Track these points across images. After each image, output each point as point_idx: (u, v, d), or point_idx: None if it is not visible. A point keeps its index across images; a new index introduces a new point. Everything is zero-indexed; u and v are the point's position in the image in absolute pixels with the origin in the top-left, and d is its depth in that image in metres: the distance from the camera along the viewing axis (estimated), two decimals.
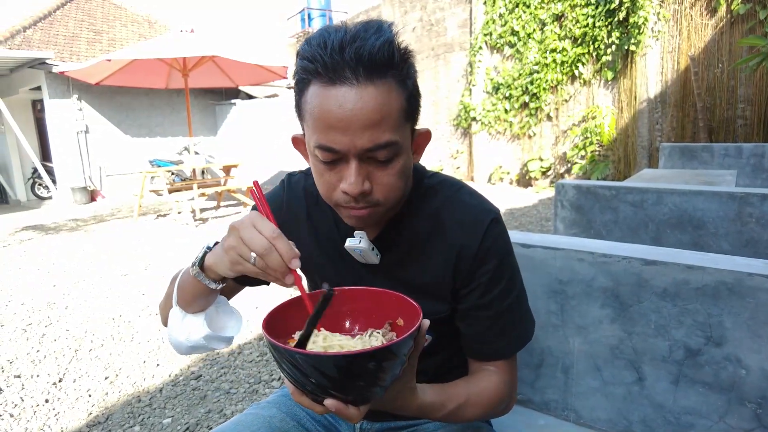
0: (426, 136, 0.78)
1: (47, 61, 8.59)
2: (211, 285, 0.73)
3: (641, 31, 6.90)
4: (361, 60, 0.63)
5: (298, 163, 10.02)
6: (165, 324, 0.84)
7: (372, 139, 0.65)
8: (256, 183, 0.71)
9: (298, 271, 0.65)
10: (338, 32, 0.65)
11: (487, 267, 0.78)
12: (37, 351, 2.82)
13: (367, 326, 0.71)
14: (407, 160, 0.73)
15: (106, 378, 2.48)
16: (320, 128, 0.66)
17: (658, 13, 6.86)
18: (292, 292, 3.55)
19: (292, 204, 0.90)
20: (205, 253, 0.72)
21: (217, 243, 0.72)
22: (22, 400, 2.29)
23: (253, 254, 0.62)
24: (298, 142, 0.80)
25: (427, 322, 0.62)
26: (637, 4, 6.84)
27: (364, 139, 0.65)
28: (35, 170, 10.04)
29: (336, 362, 0.53)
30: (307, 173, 0.92)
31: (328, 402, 0.56)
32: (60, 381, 2.46)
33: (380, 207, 0.72)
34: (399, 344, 0.56)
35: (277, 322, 0.65)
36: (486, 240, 0.78)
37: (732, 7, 6.17)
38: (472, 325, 0.81)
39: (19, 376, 2.52)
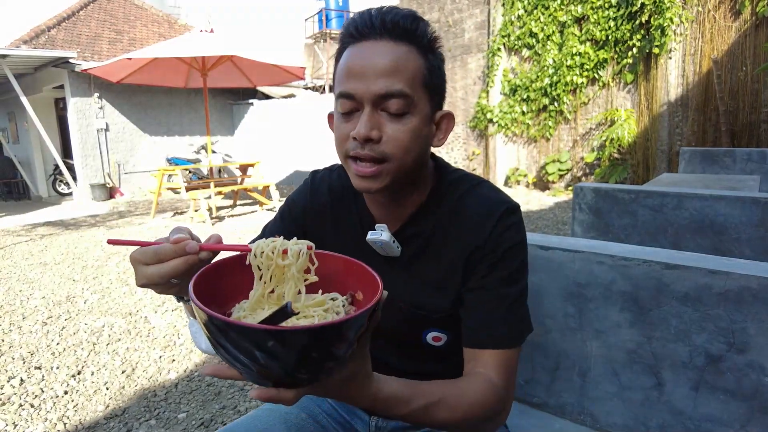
0: (449, 117, 0.81)
1: (70, 60, 8.77)
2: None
3: (665, 33, 6.79)
4: (386, 23, 0.72)
5: (312, 162, 10.07)
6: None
7: (386, 85, 0.70)
8: (109, 240, 0.65)
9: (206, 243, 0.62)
10: (375, 7, 0.74)
11: (494, 253, 0.78)
12: (57, 344, 2.87)
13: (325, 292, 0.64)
14: (422, 126, 0.75)
15: (123, 372, 2.51)
16: (342, 79, 0.74)
17: (681, 15, 6.75)
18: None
19: (316, 200, 0.92)
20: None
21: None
22: (42, 391, 2.33)
23: (172, 280, 0.62)
24: (331, 119, 0.83)
25: (385, 294, 0.55)
26: (662, 6, 6.73)
27: (378, 85, 0.70)
28: (56, 167, 10.24)
29: (274, 336, 0.45)
30: (331, 169, 0.94)
31: (255, 393, 0.51)
32: (79, 373, 2.51)
33: (387, 164, 0.73)
34: (348, 322, 0.48)
35: (210, 285, 0.59)
36: (497, 228, 0.78)
37: (757, 10, 6.05)
38: (469, 308, 0.79)
39: (39, 368, 2.57)
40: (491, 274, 0.78)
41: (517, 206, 0.81)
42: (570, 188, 8.35)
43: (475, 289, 0.79)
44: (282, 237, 0.62)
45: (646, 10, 6.96)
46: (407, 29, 0.72)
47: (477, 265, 0.79)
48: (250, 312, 0.60)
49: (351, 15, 0.75)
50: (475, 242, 0.78)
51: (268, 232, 0.96)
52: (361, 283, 0.61)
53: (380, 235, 0.79)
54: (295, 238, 0.62)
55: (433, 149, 0.82)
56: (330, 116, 0.83)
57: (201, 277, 0.58)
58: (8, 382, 2.43)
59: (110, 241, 0.63)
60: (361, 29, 0.73)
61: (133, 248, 0.63)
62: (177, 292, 0.66)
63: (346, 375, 0.56)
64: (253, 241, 0.95)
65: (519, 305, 0.80)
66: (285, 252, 0.60)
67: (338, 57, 0.77)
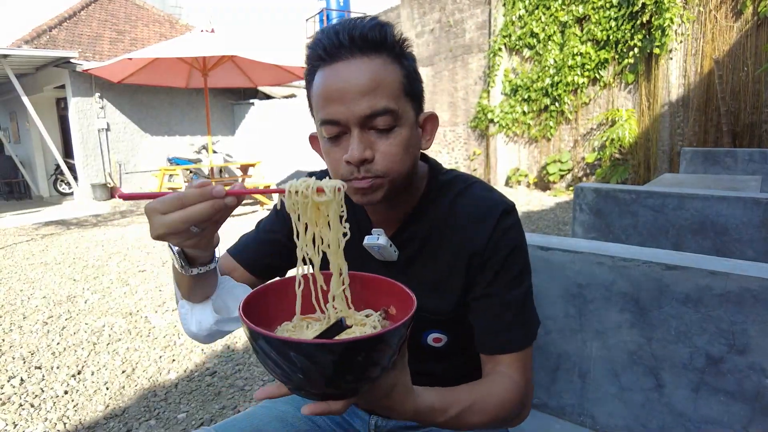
0: (432, 119, 0.80)
1: (71, 60, 8.77)
2: (199, 271, 0.70)
3: (666, 33, 6.78)
4: (354, 38, 0.69)
5: (314, 162, 10.06)
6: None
7: (370, 105, 0.69)
8: (120, 195, 0.63)
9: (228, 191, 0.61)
10: (337, 22, 0.71)
11: (496, 258, 0.77)
12: (57, 343, 2.87)
13: (360, 309, 0.68)
14: (411, 135, 0.74)
15: (123, 372, 2.51)
16: (322, 104, 0.71)
17: (682, 15, 6.74)
18: None
19: None
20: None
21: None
22: (43, 391, 2.33)
23: (193, 228, 0.60)
24: (314, 140, 0.82)
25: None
26: (663, 6, 6.72)
27: (362, 105, 0.69)
28: (58, 167, 10.24)
29: (326, 348, 0.49)
30: (325, 172, 0.93)
31: (307, 410, 0.55)
32: (79, 373, 2.51)
33: (383, 180, 0.73)
34: (391, 332, 0.52)
35: (255, 308, 0.62)
36: (496, 231, 0.77)
37: (759, 10, 6.04)
38: (479, 315, 0.80)
39: (39, 368, 2.57)
40: (495, 281, 0.78)
41: (512, 206, 0.81)
42: (571, 188, 8.34)
43: (481, 298, 0.79)
44: (314, 177, 0.65)
45: (647, 10, 6.95)
46: (377, 40, 0.70)
47: (479, 273, 0.78)
48: (293, 330, 0.64)
49: (342, 20, 0.73)
50: (474, 246, 0.78)
51: (262, 228, 0.95)
52: (392, 298, 0.65)
53: (377, 239, 0.79)
54: (327, 177, 0.65)
55: (431, 150, 0.82)
56: (312, 138, 0.82)
57: (249, 299, 0.61)
58: (8, 381, 2.42)
59: (122, 196, 0.61)
60: (330, 50, 0.70)
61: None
62: (194, 244, 0.64)
63: (388, 385, 0.59)
64: (232, 248, 0.95)
65: (526, 305, 0.80)
66: (320, 190, 0.62)
67: (309, 80, 0.75)
